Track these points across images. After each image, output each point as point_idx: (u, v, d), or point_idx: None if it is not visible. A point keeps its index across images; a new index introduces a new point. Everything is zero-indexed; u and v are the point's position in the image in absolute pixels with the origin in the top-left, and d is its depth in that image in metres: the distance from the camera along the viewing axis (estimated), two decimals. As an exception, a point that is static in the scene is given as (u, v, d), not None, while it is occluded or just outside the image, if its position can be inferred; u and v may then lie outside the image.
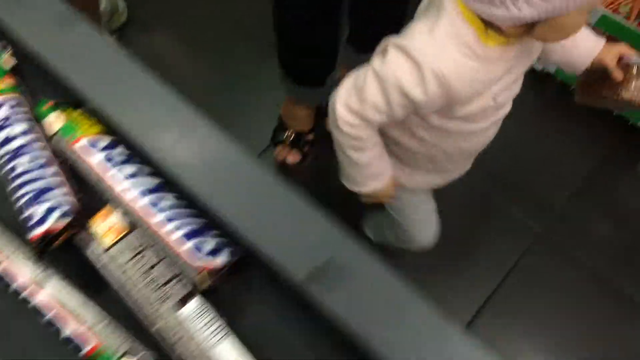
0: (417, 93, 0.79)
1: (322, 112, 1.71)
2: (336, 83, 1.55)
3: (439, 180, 1.11)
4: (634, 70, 0.93)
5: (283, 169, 1.68)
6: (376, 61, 0.83)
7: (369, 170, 0.98)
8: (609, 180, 1.69)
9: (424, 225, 1.27)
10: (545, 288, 1.54)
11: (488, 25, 0.75)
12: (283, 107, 1.67)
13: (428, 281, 1.56)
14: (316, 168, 1.72)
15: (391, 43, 0.82)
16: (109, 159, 0.67)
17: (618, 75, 0.93)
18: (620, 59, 0.94)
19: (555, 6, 0.67)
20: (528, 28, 0.74)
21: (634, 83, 0.92)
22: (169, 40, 1.89)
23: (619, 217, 1.66)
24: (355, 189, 1.03)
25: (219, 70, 1.83)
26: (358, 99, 0.85)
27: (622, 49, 0.95)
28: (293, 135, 1.66)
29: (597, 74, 0.97)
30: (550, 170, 1.69)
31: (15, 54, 0.77)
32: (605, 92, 0.96)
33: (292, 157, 1.66)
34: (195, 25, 1.89)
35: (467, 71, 0.79)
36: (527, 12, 0.68)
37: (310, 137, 1.68)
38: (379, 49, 0.85)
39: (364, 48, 1.57)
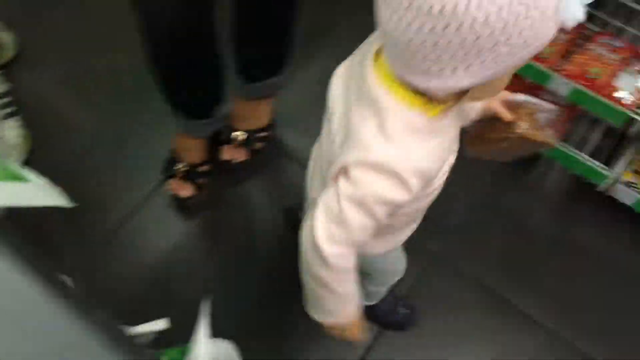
0: (401, 197, 0.78)
1: (218, 142, 1.68)
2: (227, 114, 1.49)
3: (415, 225, 1.10)
4: (522, 108, 0.95)
5: (179, 202, 1.64)
6: (341, 186, 0.79)
7: (347, 297, 0.92)
8: (501, 194, 1.71)
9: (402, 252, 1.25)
10: (441, 306, 1.56)
11: (427, 96, 0.75)
12: (176, 140, 1.63)
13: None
14: (215, 200, 1.68)
15: (351, 163, 0.78)
16: None
17: (507, 115, 0.95)
18: (507, 102, 0.96)
19: (490, 73, 0.67)
20: (463, 91, 0.74)
21: (523, 120, 0.94)
22: (58, 78, 1.83)
23: (512, 230, 1.68)
24: (329, 320, 0.96)
25: (110, 107, 1.79)
26: (341, 229, 0.80)
27: (508, 93, 0.97)
28: (185, 167, 1.61)
29: (485, 122, 0.99)
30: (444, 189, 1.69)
31: None
32: (495, 135, 0.98)
33: (185, 191, 1.62)
34: (86, 61, 1.84)
35: (436, 150, 0.80)
36: (465, 81, 0.68)
37: (205, 168, 1.65)
38: (332, 172, 0.82)
39: (252, 77, 1.56)
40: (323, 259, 0.82)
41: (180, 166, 1.61)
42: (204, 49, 1.34)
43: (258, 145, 1.70)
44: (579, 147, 1.64)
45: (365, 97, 0.78)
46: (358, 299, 0.95)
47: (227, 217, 1.69)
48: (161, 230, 1.65)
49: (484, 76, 0.67)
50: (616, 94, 1.42)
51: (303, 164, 1.80)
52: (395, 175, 0.76)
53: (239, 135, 1.67)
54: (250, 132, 1.68)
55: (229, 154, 1.68)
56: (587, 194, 1.68)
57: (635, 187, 1.57)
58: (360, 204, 0.78)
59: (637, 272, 1.65)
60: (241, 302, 1.55)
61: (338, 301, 0.91)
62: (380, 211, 0.80)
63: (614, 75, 1.46)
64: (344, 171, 0.79)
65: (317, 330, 1.52)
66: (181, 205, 1.64)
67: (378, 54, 0.78)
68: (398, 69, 0.72)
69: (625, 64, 1.48)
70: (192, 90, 1.43)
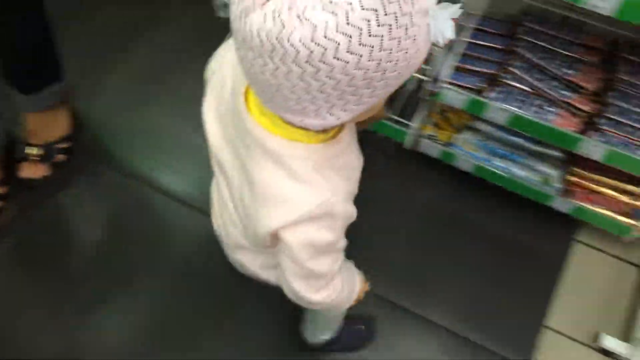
0: (347, 222, 0.79)
1: (14, 160, 1.60)
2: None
3: None
4: None
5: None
6: (285, 252, 0.78)
7: (353, 285, 0.98)
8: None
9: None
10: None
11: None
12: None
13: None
14: (22, 222, 1.60)
15: (280, 229, 0.75)
16: None
17: None
18: None
19: (368, 105, 0.64)
20: None
21: None
22: None
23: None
24: (355, 293, 1.00)
25: None
26: (320, 279, 0.83)
27: None
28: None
29: None
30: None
31: None
32: None
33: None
34: None
35: (349, 165, 0.79)
36: (344, 118, 0.64)
37: (0, 190, 1.56)
38: (262, 240, 0.79)
39: (27, 89, 1.48)
40: (323, 304, 0.88)
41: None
42: None
43: (60, 157, 1.63)
44: (386, 109, 1.64)
45: (254, 147, 0.73)
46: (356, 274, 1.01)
47: (38, 238, 1.61)
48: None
49: (362, 109, 0.64)
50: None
51: (119, 170, 1.75)
52: (331, 214, 0.75)
53: (34, 150, 1.59)
54: (48, 145, 1.60)
55: (27, 171, 1.60)
56: (405, 154, 1.68)
57: (436, 140, 1.59)
58: (322, 253, 0.79)
59: (467, 218, 1.67)
60: (65, 319, 1.48)
61: (351, 292, 0.97)
62: (341, 242, 0.82)
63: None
64: (275, 237, 0.77)
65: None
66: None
67: (249, 89, 0.72)
68: (272, 109, 0.67)
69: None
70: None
